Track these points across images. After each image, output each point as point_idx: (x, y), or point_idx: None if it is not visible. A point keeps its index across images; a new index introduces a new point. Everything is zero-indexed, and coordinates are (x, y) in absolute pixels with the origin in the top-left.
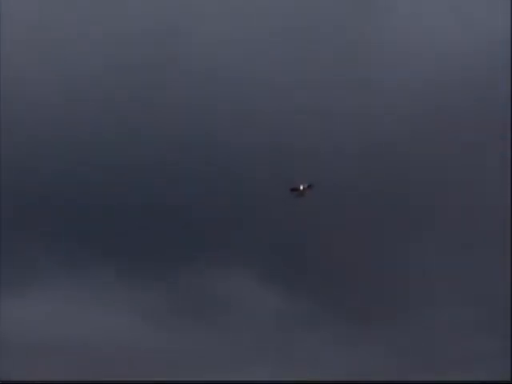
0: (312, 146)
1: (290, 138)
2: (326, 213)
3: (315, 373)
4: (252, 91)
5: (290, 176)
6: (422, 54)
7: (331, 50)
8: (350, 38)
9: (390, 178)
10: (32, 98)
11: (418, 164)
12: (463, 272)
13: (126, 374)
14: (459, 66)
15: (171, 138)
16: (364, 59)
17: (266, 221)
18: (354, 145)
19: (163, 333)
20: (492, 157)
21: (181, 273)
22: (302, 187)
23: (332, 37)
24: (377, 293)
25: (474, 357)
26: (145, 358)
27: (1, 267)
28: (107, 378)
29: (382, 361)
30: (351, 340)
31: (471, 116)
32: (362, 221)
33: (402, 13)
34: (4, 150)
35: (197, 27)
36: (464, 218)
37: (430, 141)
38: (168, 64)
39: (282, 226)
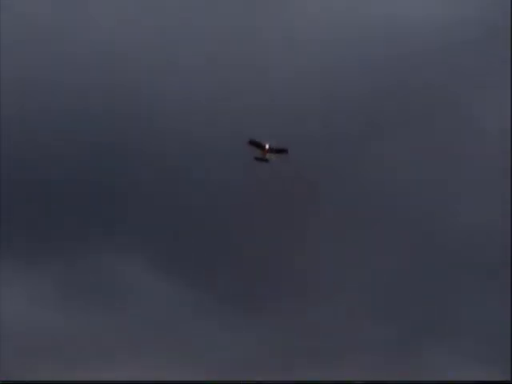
0: None
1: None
2: (219, 202)
3: (202, 358)
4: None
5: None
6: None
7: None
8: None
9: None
10: None
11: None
12: (357, 261)
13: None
14: None
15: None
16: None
17: (162, 207)
18: None
19: (50, 315)
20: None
21: (74, 255)
22: (267, 147)
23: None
24: (266, 281)
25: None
26: (29, 340)
27: None
28: None
29: (266, 349)
30: (237, 328)
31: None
32: (252, 212)
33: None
34: None
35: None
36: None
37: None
38: None
39: (177, 213)
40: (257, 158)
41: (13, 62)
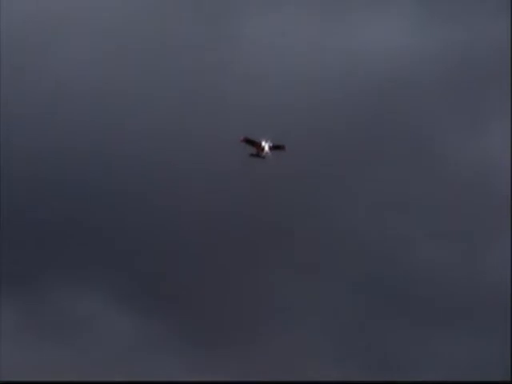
0: None
1: None
2: (180, 239)
3: None
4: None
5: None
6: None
7: None
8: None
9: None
10: None
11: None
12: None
13: None
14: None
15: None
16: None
17: (125, 243)
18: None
19: (6, 349)
20: None
21: (34, 289)
22: (264, 144)
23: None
24: (227, 318)
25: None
26: None
27: None
28: None
29: None
30: (197, 365)
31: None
32: (213, 244)
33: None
34: None
35: None
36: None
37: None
38: None
39: (141, 250)
40: (252, 155)
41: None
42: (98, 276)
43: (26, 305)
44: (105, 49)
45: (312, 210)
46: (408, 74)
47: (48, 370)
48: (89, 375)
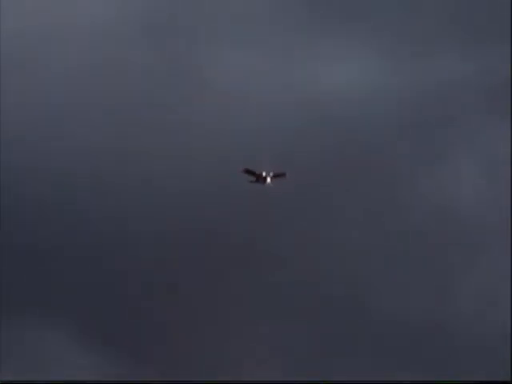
0: None
1: None
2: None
3: None
4: None
5: None
6: None
7: None
8: None
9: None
10: None
11: None
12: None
13: None
14: None
15: None
16: None
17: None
18: None
19: None
20: None
21: None
22: (265, 175)
23: None
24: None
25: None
26: None
27: None
28: None
29: None
30: None
31: None
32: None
33: None
34: None
35: None
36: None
37: None
38: None
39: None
40: (252, 182)
41: None
42: (59, 310)
43: None
44: None
45: None
46: (372, 112)
47: None
48: None
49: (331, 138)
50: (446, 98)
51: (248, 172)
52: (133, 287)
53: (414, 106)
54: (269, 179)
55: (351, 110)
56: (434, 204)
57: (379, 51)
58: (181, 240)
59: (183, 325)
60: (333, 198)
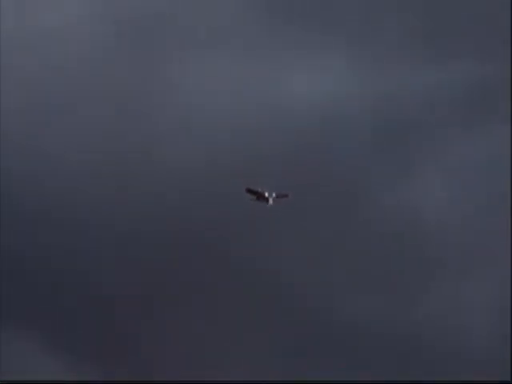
0: None
1: None
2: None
3: None
4: None
5: None
6: None
7: None
8: None
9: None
10: None
11: None
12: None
13: None
14: None
15: None
16: None
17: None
18: None
19: None
20: None
21: None
22: (267, 194)
23: None
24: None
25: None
26: None
27: None
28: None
29: None
30: None
31: None
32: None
33: None
34: None
35: None
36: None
37: None
38: None
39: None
40: (253, 200)
41: None
42: (26, 319)
43: None
44: None
45: None
46: (337, 125)
47: None
48: None
49: (292, 147)
50: (412, 108)
51: (250, 192)
52: (108, 299)
53: (376, 115)
54: (271, 200)
55: (311, 120)
56: (398, 218)
57: (342, 60)
58: (174, 245)
59: (164, 332)
60: (290, 211)
